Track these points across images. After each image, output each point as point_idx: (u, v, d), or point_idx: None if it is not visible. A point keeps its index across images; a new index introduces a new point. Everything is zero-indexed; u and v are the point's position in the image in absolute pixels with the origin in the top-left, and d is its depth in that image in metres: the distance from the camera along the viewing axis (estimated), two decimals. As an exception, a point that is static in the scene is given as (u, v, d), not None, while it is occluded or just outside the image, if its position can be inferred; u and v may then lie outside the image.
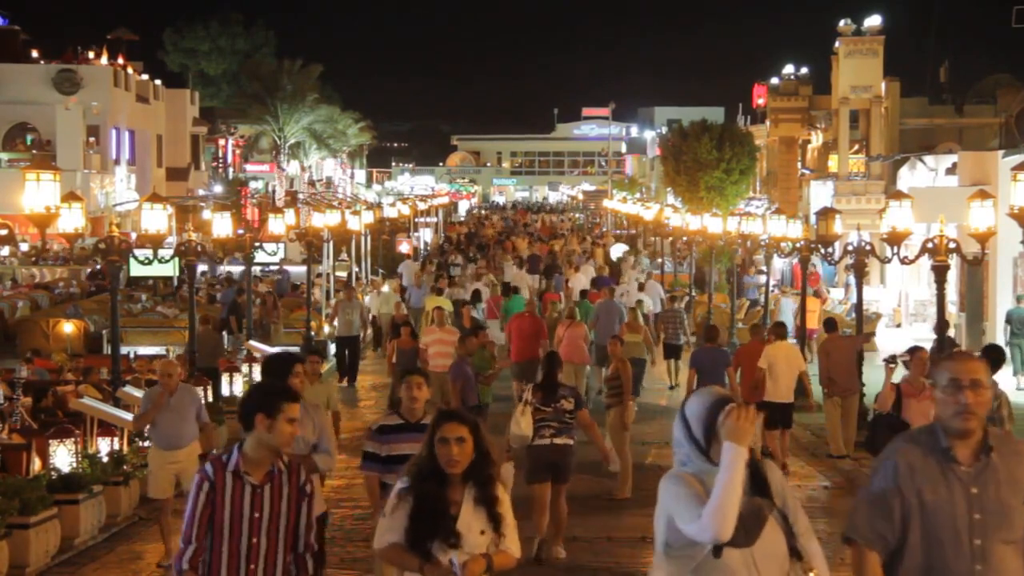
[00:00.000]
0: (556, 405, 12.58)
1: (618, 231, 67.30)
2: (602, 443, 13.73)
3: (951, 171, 33.13)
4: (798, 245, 24.61)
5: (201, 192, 58.85)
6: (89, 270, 36.94)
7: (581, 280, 35.43)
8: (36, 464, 13.74)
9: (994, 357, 12.24)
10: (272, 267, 36.94)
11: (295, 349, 28.84)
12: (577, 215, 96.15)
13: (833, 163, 44.43)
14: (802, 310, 24.83)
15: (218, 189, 61.84)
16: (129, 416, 15.33)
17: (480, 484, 6.22)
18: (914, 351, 13.53)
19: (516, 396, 19.03)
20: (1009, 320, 26.30)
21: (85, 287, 36.55)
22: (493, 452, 6.36)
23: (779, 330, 19.07)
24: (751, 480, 5.23)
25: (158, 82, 59.48)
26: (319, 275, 34.82)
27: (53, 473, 13.38)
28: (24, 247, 32.06)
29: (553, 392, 12.65)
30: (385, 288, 32.68)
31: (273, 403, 6.32)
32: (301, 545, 6.38)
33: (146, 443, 15.66)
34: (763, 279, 32.33)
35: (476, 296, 32.45)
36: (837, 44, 40.49)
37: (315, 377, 12.83)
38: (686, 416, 5.33)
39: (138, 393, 16.39)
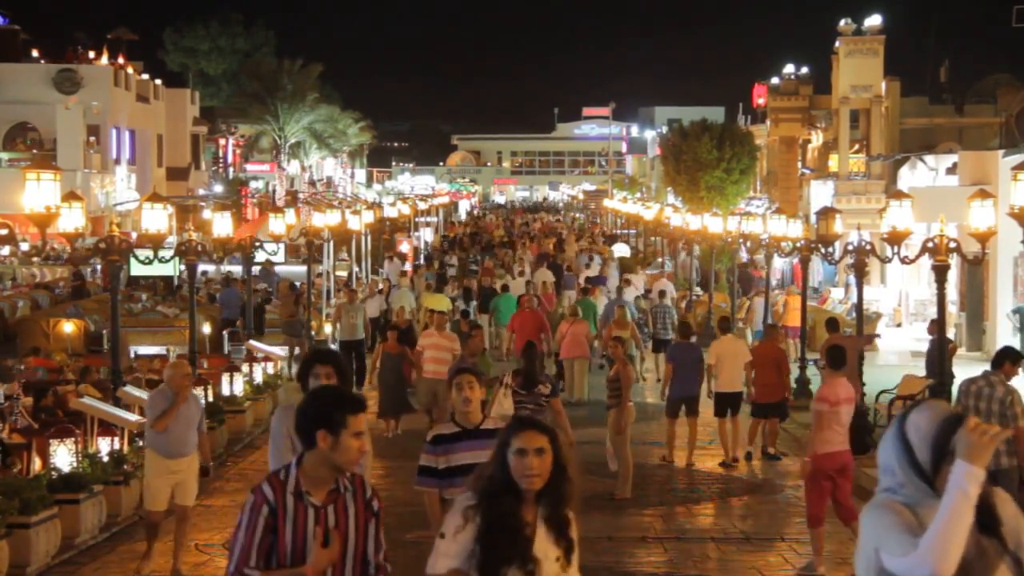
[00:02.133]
0: (534, 390, 13.64)
1: (617, 231, 67.42)
2: (568, 429, 14.10)
3: (951, 171, 33.13)
4: (798, 245, 24.61)
5: (201, 192, 58.84)
6: (74, 271, 36.80)
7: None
8: (36, 464, 13.75)
9: (1013, 357, 12.38)
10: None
11: (295, 349, 28.96)
12: (577, 215, 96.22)
13: (833, 163, 44.41)
14: (802, 310, 24.81)
15: (218, 189, 61.85)
16: (130, 416, 15.33)
17: (555, 503, 5.46)
18: None
19: None
20: (1018, 311, 26.40)
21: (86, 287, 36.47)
22: (571, 468, 5.58)
23: (724, 324, 19.95)
24: (977, 515, 4.28)
25: (158, 82, 59.46)
26: (319, 275, 34.81)
27: (53, 473, 13.38)
28: (24, 247, 32.04)
29: (532, 378, 13.74)
30: (380, 286, 32.69)
31: (334, 417, 5.50)
32: (372, 568, 5.67)
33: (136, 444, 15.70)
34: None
35: (468, 295, 32.56)
36: (837, 44, 40.48)
37: None
38: (907, 436, 4.42)
39: (138, 393, 16.38)
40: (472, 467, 8.05)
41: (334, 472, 5.56)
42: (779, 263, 35.60)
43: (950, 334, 23.61)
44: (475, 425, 8.30)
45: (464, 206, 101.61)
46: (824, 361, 13.32)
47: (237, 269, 33.17)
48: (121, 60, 53.76)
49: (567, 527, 5.50)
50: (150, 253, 18.07)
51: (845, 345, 18.96)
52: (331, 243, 35.12)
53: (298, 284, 36.65)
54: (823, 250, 22.20)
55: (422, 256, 50.87)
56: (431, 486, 8.35)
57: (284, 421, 8.20)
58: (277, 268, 36.45)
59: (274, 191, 70.32)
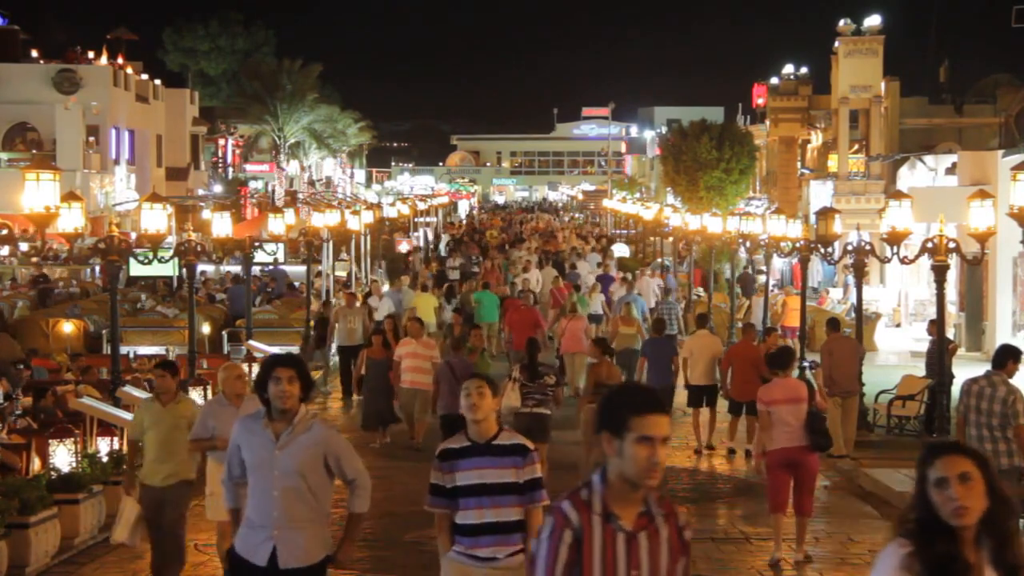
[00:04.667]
0: (539, 381, 15.02)
1: (613, 231, 67.54)
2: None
3: (951, 171, 33.13)
4: (797, 245, 24.61)
5: (201, 192, 58.85)
6: (38, 274, 36.73)
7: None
8: (36, 464, 13.74)
9: (1015, 355, 12.37)
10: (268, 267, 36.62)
11: (295, 350, 28.93)
12: (577, 215, 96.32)
13: (833, 163, 44.41)
14: (802, 310, 24.83)
15: (218, 189, 61.86)
16: (130, 416, 15.30)
17: (998, 542, 4.53)
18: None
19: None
20: None
21: (85, 287, 36.50)
22: (1012, 498, 4.66)
23: (700, 321, 20.88)
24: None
25: (158, 82, 59.46)
26: (318, 274, 34.81)
27: (53, 473, 13.38)
28: (24, 247, 32.04)
29: (536, 371, 15.11)
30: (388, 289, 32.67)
31: (616, 415, 4.66)
32: None
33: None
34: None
35: (450, 293, 32.62)
36: (837, 44, 40.46)
37: (168, 396, 11.04)
38: None
39: (139, 393, 16.36)
40: (479, 487, 7.40)
41: (635, 488, 4.69)
42: (778, 263, 35.60)
43: (949, 334, 23.61)
44: (487, 439, 7.52)
45: (463, 206, 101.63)
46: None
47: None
48: (120, 60, 53.77)
49: (1018, 571, 4.56)
50: (149, 253, 18.06)
51: (845, 348, 19.04)
52: (330, 243, 35.11)
53: (297, 284, 36.75)
54: (822, 250, 22.19)
55: (420, 257, 50.84)
56: (441, 507, 7.54)
57: (238, 434, 7.61)
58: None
59: (273, 191, 70.32)
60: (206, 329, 27.93)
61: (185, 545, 11.18)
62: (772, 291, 31.77)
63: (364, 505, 7.66)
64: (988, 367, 12.41)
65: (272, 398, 7.32)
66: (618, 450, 4.62)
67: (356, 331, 24.29)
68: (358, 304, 25.80)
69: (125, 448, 14.89)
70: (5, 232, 14.50)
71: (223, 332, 28.85)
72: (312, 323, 27.57)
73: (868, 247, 20.46)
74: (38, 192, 14.96)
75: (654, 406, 4.66)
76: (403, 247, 50.07)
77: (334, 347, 26.28)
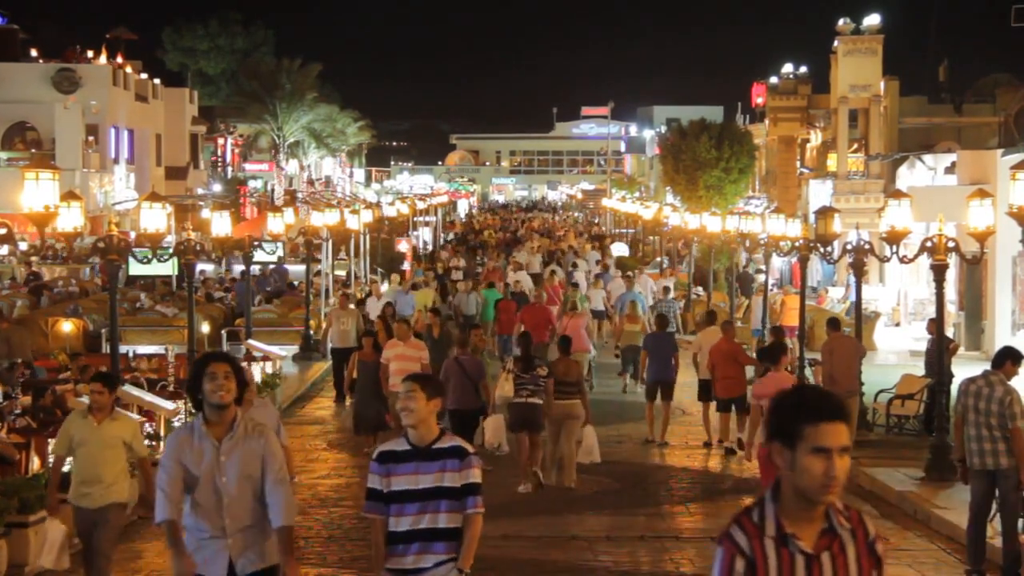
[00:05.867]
0: (532, 373, 15.88)
1: (607, 230, 67.63)
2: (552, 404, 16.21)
3: (950, 170, 33.12)
4: (797, 244, 24.61)
5: (200, 191, 58.85)
6: (30, 271, 36.73)
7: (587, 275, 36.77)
8: (35, 463, 13.74)
9: (1014, 357, 12.35)
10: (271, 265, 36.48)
11: (294, 349, 28.97)
12: (576, 214, 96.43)
13: (832, 162, 44.35)
14: (801, 309, 24.84)
15: (217, 188, 61.87)
16: (129, 414, 15.28)
17: None
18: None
19: None
20: None
21: (84, 286, 36.49)
22: None
23: (709, 318, 21.62)
24: None
25: (157, 81, 59.46)
26: (317, 273, 34.82)
27: (52, 472, 13.36)
28: (23, 246, 32.03)
29: (530, 362, 16.02)
30: (384, 287, 32.64)
31: (787, 424, 4.20)
32: None
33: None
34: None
35: (444, 292, 32.63)
36: (836, 43, 40.44)
37: (103, 413, 10.58)
38: None
39: (138, 392, 16.35)
40: (416, 493, 7.03)
41: (812, 505, 4.26)
42: (778, 262, 35.60)
43: (949, 333, 23.61)
44: (427, 444, 7.12)
45: (463, 206, 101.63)
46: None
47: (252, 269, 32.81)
48: (120, 59, 53.77)
49: None
50: (148, 252, 18.04)
51: (846, 348, 19.04)
52: (330, 242, 35.13)
53: (296, 283, 36.74)
54: (822, 249, 22.19)
55: (419, 256, 50.87)
56: (377, 513, 7.12)
57: (174, 443, 7.23)
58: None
59: (273, 190, 70.32)
60: (205, 328, 27.90)
61: (111, 564, 10.68)
62: (771, 290, 31.77)
63: (293, 516, 7.39)
64: (987, 366, 12.42)
65: (208, 394, 7.13)
66: (790, 462, 4.17)
67: (349, 333, 23.86)
68: (352, 305, 25.57)
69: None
70: (5, 232, 14.47)
71: (222, 331, 28.84)
72: None
73: (867, 246, 20.46)
74: (37, 191, 14.95)
75: (830, 413, 4.17)
76: (403, 246, 50.08)
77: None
